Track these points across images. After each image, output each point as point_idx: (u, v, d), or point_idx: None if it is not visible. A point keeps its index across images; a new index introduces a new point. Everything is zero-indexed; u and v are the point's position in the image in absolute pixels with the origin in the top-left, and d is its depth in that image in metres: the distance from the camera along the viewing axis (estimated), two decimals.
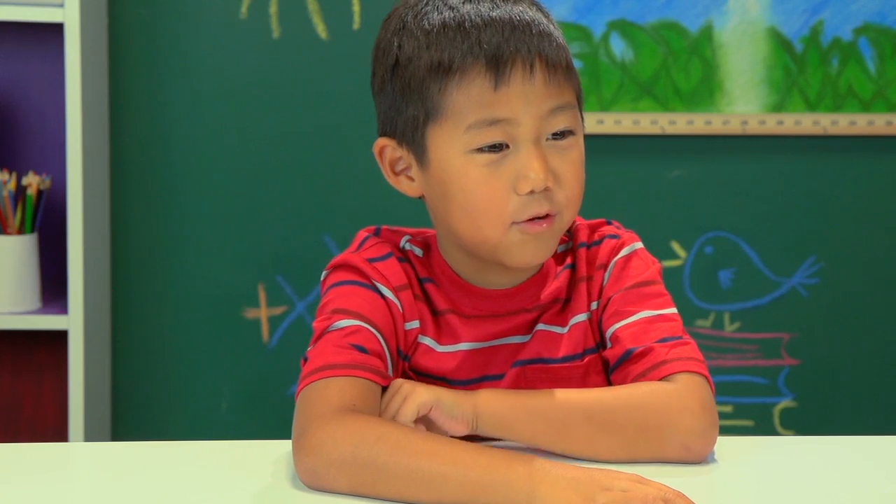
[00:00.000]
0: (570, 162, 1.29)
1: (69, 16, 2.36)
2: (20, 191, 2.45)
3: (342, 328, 1.29)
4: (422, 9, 1.31)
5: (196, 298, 2.70)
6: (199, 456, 1.33)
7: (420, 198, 1.36)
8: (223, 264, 2.70)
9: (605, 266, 1.37)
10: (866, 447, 1.37)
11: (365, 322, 1.30)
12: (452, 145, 1.28)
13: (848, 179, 2.79)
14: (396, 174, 1.35)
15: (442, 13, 1.29)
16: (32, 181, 2.45)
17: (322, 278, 1.37)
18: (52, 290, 2.58)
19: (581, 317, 1.37)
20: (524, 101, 1.26)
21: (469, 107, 1.26)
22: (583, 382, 1.35)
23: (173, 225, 2.68)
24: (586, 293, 1.37)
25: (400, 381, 1.29)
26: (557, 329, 1.36)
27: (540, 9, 1.33)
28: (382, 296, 1.33)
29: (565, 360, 1.36)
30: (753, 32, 2.73)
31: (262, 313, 2.72)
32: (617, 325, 1.34)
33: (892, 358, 2.83)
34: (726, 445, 1.35)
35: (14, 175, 2.46)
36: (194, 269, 2.69)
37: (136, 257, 2.68)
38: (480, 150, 1.27)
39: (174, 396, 2.71)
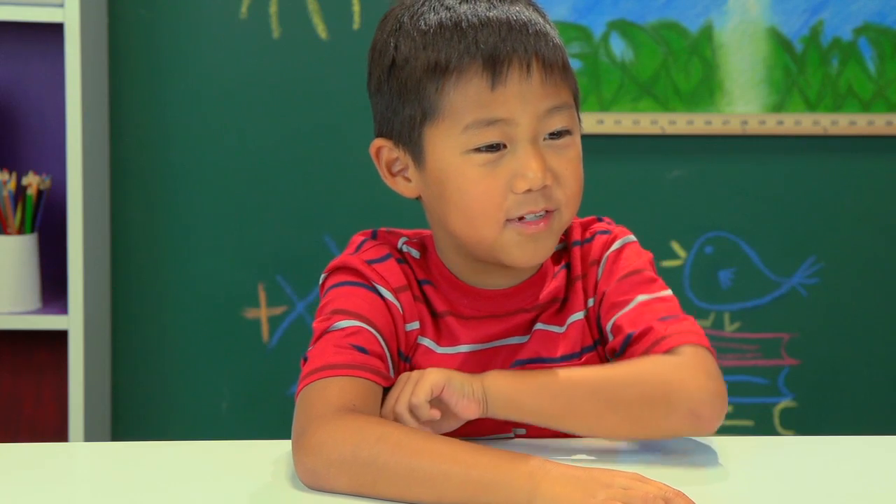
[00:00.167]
0: (568, 161, 1.29)
1: (69, 16, 2.36)
2: (20, 191, 2.45)
3: (342, 329, 1.29)
4: (418, 9, 1.31)
5: (196, 298, 2.70)
6: (199, 456, 1.33)
7: (417, 199, 1.36)
8: (223, 264, 2.70)
9: (598, 262, 1.38)
10: (866, 447, 1.37)
11: (365, 323, 1.30)
12: (449, 145, 1.28)
13: (848, 179, 2.79)
14: (393, 175, 1.35)
15: (438, 13, 1.29)
16: (32, 181, 2.45)
17: (321, 281, 1.37)
18: (52, 290, 2.58)
19: (578, 315, 1.37)
20: (521, 101, 1.26)
21: (466, 107, 1.26)
22: None
23: (173, 225, 2.68)
24: (582, 291, 1.37)
25: (407, 372, 1.29)
26: (555, 328, 1.36)
27: (536, 9, 1.32)
28: (382, 297, 1.32)
29: (564, 359, 1.36)
30: (753, 32, 2.73)
31: (262, 313, 2.72)
32: (616, 316, 1.34)
33: (892, 358, 2.83)
34: (726, 445, 1.35)
35: (14, 175, 2.46)
36: (194, 269, 2.69)
37: (136, 257, 2.68)
38: (478, 149, 1.27)
39: (174, 396, 2.71)
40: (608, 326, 1.35)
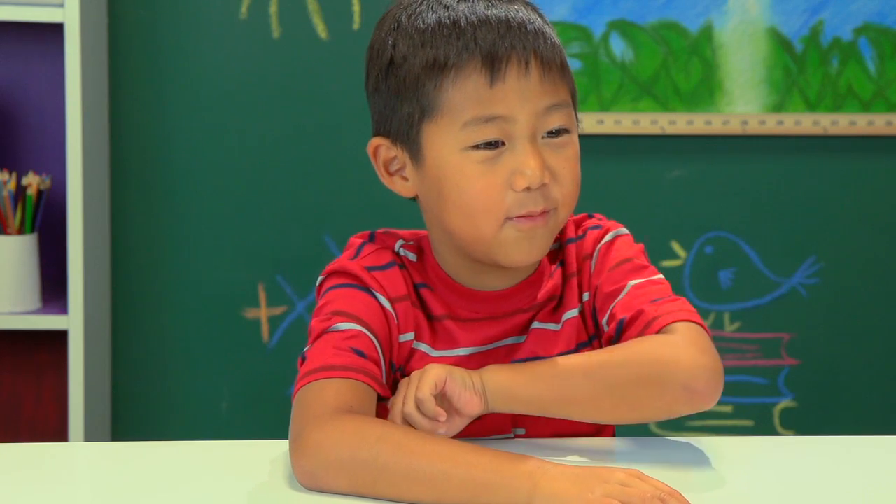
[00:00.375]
0: (566, 159, 1.29)
1: (69, 16, 2.36)
2: (20, 191, 2.45)
3: (343, 331, 1.29)
4: (416, 9, 1.31)
5: (196, 298, 2.70)
6: (198, 456, 1.33)
7: (414, 198, 1.36)
8: (223, 264, 2.70)
9: (590, 256, 1.38)
10: (866, 447, 1.37)
11: (364, 327, 1.30)
12: (448, 142, 1.28)
13: (848, 179, 2.79)
14: (391, 174, 1.35)
15: (437, 12, 1.29)
16: (32, 181, 2.45)
17: (318, 283, 1.37)
18: (52, 290, 2.58)
19: (573, 312, 1.37)
20: (520, 98, 1.27)
21: (465, 104, 1.27)
22: None
23: (173, 225, 2.68)
24: (577, 287, 1.38)
25: (407, 377, 1.29)
26: (551, 326, 1.36)
27: (534, 9, 1.33)
28: (380, 305, 1.32)
29: (560, 356, 1.36)
30: (753, 32, 2.73)
31: (262, 313, 2.72)
32: (612, 306, 1.34)
33: (892, 358, 2.83)
34: (726, 445, 1.35)
35: (14, 175, 2.46)
36: (194, 269, 2.69)
37: (136, 257, 2.68)
38: (476, 146, 1.27)
39: (174, 396, 2.71)
40: (605, 318, 1.35)
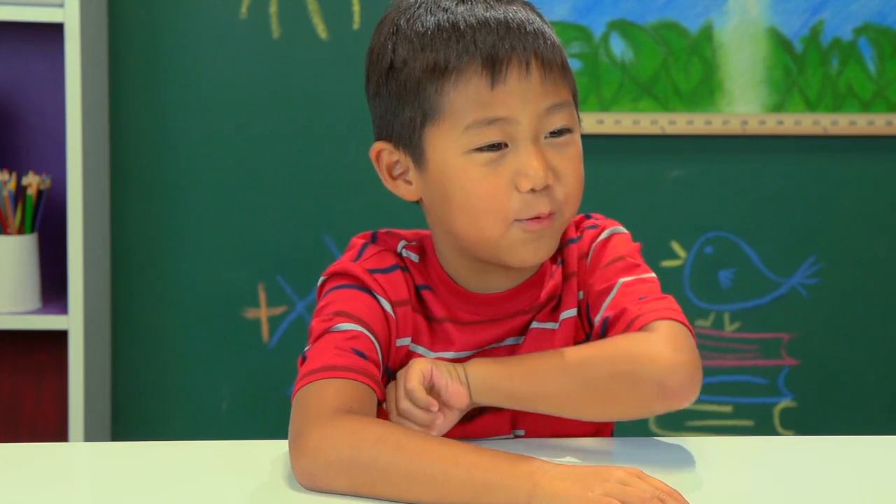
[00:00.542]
0: (569, 159, 1.30)
1: (69, 16, 2.36)
2: (20, 191, 2.45)
3: (344, 331, 1.29)
4: (414, 12, 1.31)
5: (196, 298, 2.70)
6: (198, 456, 1.33)
7: (417, 202, 1.36)
8: (223, 264, 2.70)
9: (586, 255, 1.38)
10: (866, 447, 1.37)
11: (365, 328, 1.30)
12: (451, 146, 1.28)
13: (848, 179, 2.79)
14: (394, 178, 1.34)
15: (435, 15, 1.29)
16: (32, 181, 2.45)
17: (319, 284, 1.36)
18: (52, 290, 2.58)
19: (571, 312, 1.37)
20: (522, 100, 1.27)
21: (467, 106, 1.26)
22: None
23: (173, 225, 2.68)
24: (575, 287, 1.38)
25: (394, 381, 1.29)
26: (550, 325, 1.36)
27: (533, 9, 1.33)
28: (381, 307, 1.32)
29: (545, 352, 1.35)
30: (753, 32, 2.73)
31: (262, 313, 2.72)
32: (604, 306, 1.34)
33: (892, 358, 2.83)
34: (726, 445, 1.35)
35: (14, 175, 2.46)
36: (194, 269, 2.69)
37: (136, 257, 2.68)
38: (479, 149, 1.27)
39: (174, 396, 2.71)
40: (597, 316, 1.34)
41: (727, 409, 2.81)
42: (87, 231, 2.43)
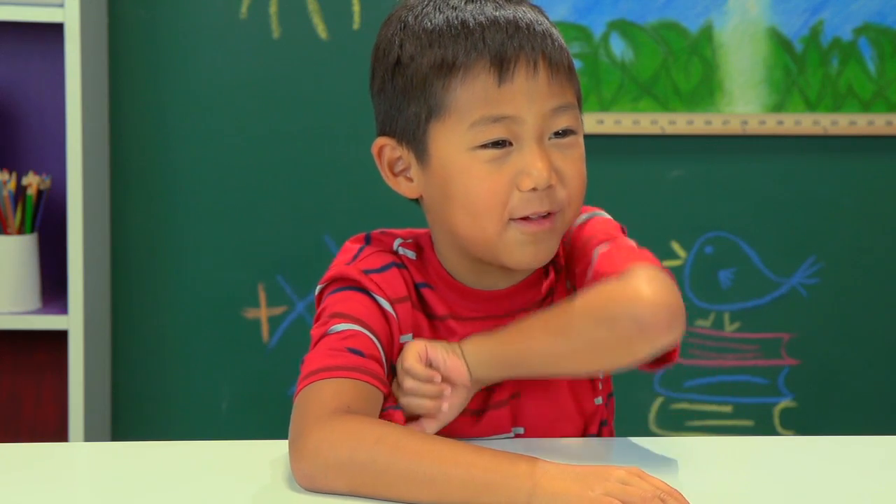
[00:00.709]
0: (573, 160, 1.30)
1: (69, 16, 2.36)
2: (20, 191, 2.45)
3: (339, 332, 1.29)
4: (422, 10, 1.31)
5: (196, 298, 2.70)
6: (198, 456, 1.33)
7: (417, 200, 1.36)
8: (223, 264, 2.70)
9: (569, 244, 1.38)
10: (866, 447, 1.37)
11: (362, 327, 1.30)
12: (455, 142, 1.28)
13: (848, 179, 2.79)
14: (395, 175, 1.35)
15: (444, 12, 1.30)
16: (32, 181, 2.45)
17: (317, 293, 1.37)
18: (52, 290, 2.58)
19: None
20: (528, 99, 1.27)
21: (473, 103, 1.27)
22: None
23: (173, 225, 2.68)
24: (564, 279, 1.38)
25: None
26: None
27: (540, 11, 1.33)
28: (380, 306, 1.32)
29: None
30: (753, 32, 2.73)
31: (262, 313, 2.72)
32: (587, 280, 1.33)
33: (892, 358, 2.83)
34: (726, 445, 1.35)
35: (14, 175, 2.46)
36: (194, 269, 2.69)
37: (136, 257, 2.68)
38: (484, 146, 1.27)
39: (174, 396, 2.71)
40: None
41: (727, 409, 2.81)
42: (87, 231, 2.43)
